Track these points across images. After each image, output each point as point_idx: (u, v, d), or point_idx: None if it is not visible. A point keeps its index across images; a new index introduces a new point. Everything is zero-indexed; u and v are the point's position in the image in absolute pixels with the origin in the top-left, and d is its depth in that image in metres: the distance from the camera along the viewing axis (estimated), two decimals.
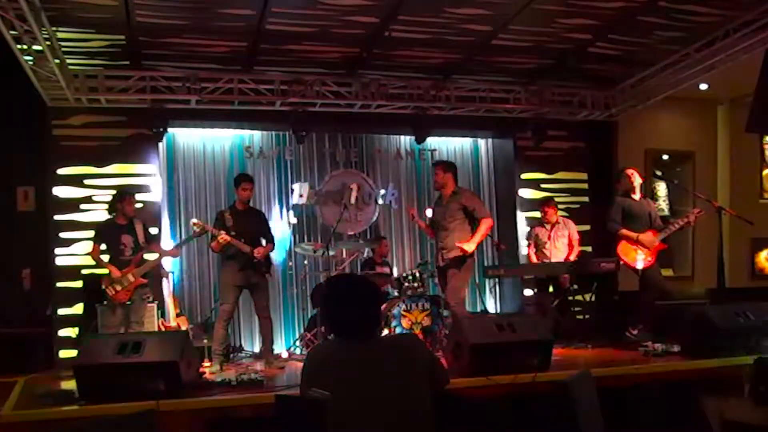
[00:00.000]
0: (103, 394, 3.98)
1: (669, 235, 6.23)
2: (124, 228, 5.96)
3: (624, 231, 6.21)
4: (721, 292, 6.12)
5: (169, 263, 6.88)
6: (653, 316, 6.19)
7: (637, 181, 6.38)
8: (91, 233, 6.18)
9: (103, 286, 5.83)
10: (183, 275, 7.66)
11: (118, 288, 5.79)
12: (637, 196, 6.38)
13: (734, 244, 8.36)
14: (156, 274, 6.66)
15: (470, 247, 5.72)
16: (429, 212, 8.43)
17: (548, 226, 7.19)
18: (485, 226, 5.83)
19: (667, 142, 9.18)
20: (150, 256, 6.03)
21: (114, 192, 6.41)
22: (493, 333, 4.52)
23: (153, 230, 6.52)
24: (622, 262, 6.29)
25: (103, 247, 5.95)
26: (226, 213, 5.98)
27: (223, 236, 5.71)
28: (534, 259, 7.23)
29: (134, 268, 5.84)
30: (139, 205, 6.35)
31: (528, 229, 7.78)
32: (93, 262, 6.13)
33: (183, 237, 7.31)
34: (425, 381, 2.64)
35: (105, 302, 5.95)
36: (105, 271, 5.92)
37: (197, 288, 7.78)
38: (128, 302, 5.89)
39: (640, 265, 6.16)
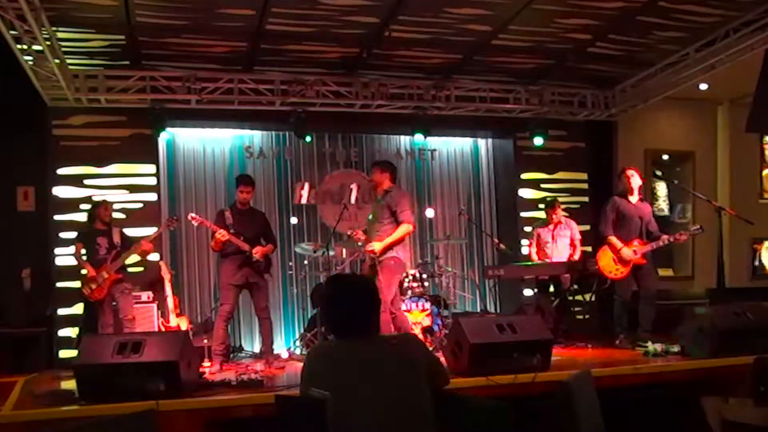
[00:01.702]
0: (103, 394, 3.97)
1: (653, 250, 6.12)
2: (101, 232, 6.12)
3: (611, 239, 6.11)
4: (721, 292, 6.10)
5: (167, 266, 6.86)
6: (626, 318, 6.15)
7: (636, 182, 6.21)
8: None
9: (80, 287, 5.99)
10: (183, 275, 7.68)
11: (93, 286, 5.90)
12: (634, 198, 6.23)
13: (734, 244, 8.36)
14: (157, 275, 6.69)
15: (377, 246, 5.54)
16: (430, 212, 8.51)
17: (551, 226, 7.19)
18: (401, 231, 5.57)
19: (667, 142, 9.18)
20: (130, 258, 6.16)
21: (95, 201, 6.54)
22: (493, 333, 4.52)
23: (149, 231, 6.49)
24: (596, 267, 6.25)
25: (83, 250, 6.09)
26: (227, 212, 5.99)
27: (222, 233, 5.72)
28: (535, 259, 7.23)
29: (108, 265, 5.94)
30: (121, 215, 6.38)
31: (529, 228, 7.78)
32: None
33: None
34: (425, 381, 2.64)
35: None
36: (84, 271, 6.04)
37: (197, 288, 7.78)
38: (113, 302, 6.00)
39: (611, 274, 6.13)
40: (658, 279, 6.67)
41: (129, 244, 6.16)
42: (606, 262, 6.15)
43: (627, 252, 6.04)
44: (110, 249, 6.05)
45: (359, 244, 5.80)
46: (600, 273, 6.25)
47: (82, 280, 6.02)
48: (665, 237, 6.08)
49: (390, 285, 5.59)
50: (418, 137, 7.97)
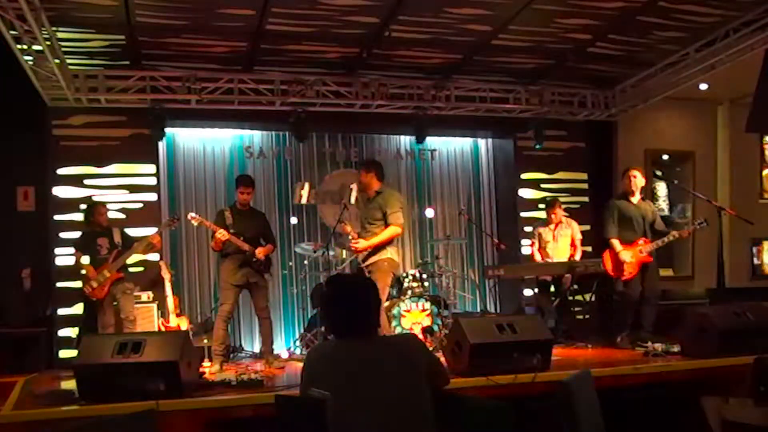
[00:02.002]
0: (103, 394, 3.97)
1: (657, 249, 6.12)
2: (100, 233, 6.14)
3: (613, 241, 6.10)
4: (721, 292, 6.10)
5: (167, 266, 6.86)
6: (632, 319, 6.13)
7: (639, 183, 6.23)
8: None
9: (81, 286, 5.99)
10: (183, 275, 7.69)
11: (94, 285, 5.92)
12: (636, 198, 6.25)
13: (734, 244, 8.36)
14: (157, 275, 6.69)
15: (361, 244, 5.55)
16: (429, 212, 8.51)
17: (552, 226, 7.19)
18: (389, 232, 5.59)
19: (667, 142, 9.18)
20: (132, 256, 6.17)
21: (89, 204, 6.56)
22: (493, 333, 4.51)
23: (149, 231, 6.49)
24: (603, 269, 6.25)
25: (83, 257, 6.09)
26: (227, 211, 6.00)
27: (222, 233, 5.71)
28: (537, 258, 7.23)
29: (109, 264, 5.97)
30: (121, 215, 6.40)
31: (530, 228, 7.78)
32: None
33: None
34: (425, 381, 2.64)
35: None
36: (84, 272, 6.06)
37: (197, 288, 7.79)
38: (114, 303, 6.01)
39: (619, 275, 6.12)
40: (659, 279, 6.65)
41: (130, 243, 6.17)
42: (611, 265, 6.16)
43: (625, 255, 6.04)
44: (111, 249, 6.08)
45: (349, 237, 5.77)
46: (608, 275, 6.25)
47: (83, 279, 6.02)
48: (674, 233, 6.10)
49: (386, 286, 5.60)
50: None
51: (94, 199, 6.87)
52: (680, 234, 6.13)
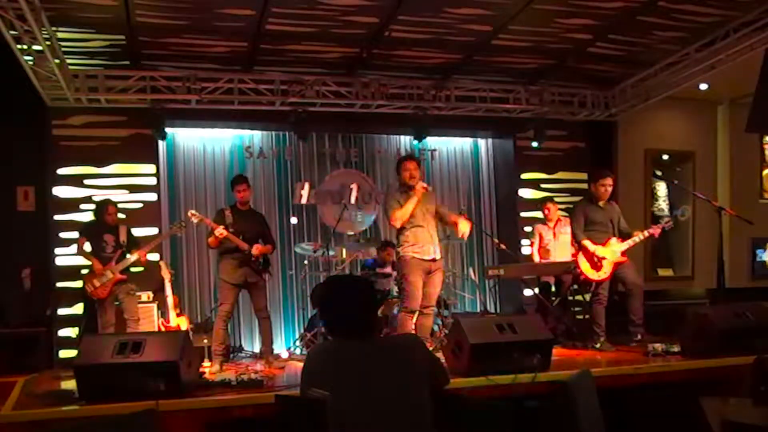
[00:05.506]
0: (103, 394, 3.97)
1: (630, 248, 6.01)
2: (107, 228, 6.15)
3: (585, 243, 5.96)
4: (721, 292, 6.09)
5: (167, 266, 6.85)
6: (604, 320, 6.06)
7: (610, 191, 6.07)
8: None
9: (83, 284, 5.98)
10: (183, 275, 7.68)
11: (97, 284, 5.92)
12: (602, 201, 6.08)
13: (734, 244, 8.36)
14: (157, 275, 6.69)
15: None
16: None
17: (551, 225, 7.20)
18: None
19: (667, 142, 9.18)
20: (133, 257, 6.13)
21: (101, 199, 6.52)
22: (493, 333, 4.51)
23: (149, 231, 6.48)
24: (579, 272, 6.09)
25: (87, 245, 6.09)
26: (227, 210, 6.00)
27: (221, 231, 5.71)
28: (537, 258, 7.22)
29: (113, 265, 5.97)
30: (122, 215, 6.51)
31: (530, 228, 7.78)
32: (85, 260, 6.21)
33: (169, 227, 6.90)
34: (425, 381, 2.64)
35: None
36: (86, 271, 6.07)
37: (197, 288, 7.78)
38: (116, 302, 6.02)
39: (595, 277, 5.99)
40: (638, 273, 6.51)
41: (134, 243, 6.17)
42: (587, 266, 6.07)
43: (602, 251, 5.95)
44: (116, 248, 6.08)
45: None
46: (586, 278, 6.17)
47: (85, 277, 6.00)
48: (643, 232, 6.01)
49: None
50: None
51: (103, 197, 6.83)
52: (650, 233, 6.01)
